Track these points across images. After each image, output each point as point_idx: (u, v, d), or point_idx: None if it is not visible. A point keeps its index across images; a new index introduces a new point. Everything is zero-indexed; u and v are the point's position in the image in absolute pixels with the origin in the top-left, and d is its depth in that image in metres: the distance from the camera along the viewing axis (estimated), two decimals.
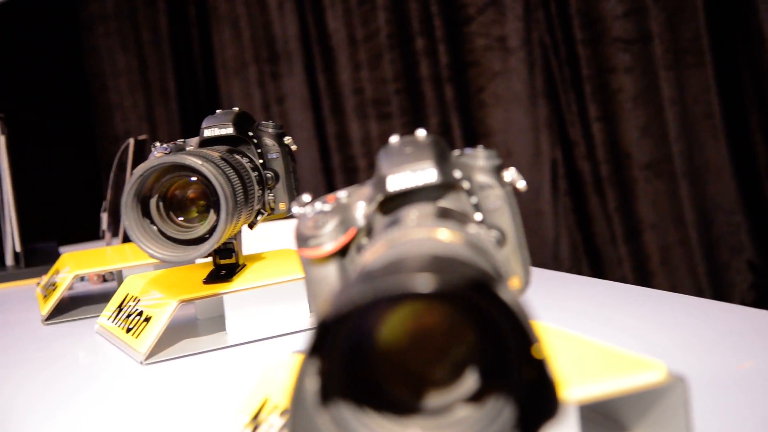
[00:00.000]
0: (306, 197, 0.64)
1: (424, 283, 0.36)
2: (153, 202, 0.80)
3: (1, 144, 1.15)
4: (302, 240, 0.61)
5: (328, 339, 0.39)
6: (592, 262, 1.70)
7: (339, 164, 2.16)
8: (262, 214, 0.93)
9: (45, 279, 1.08)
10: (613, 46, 1.62)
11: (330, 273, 0.61)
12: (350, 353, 0.40)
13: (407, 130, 2.00)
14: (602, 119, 1.64)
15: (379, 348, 0.42)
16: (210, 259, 0.91)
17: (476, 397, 0.41)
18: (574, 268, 1.71)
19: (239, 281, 0.86)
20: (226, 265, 0.90)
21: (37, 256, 1.29)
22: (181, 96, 2.44)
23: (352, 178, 2.12)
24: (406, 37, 1.96)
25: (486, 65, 1.84)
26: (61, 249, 1.42)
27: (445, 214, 0.54)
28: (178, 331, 0.87)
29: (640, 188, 1.61)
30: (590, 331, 0.60)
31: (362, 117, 2.09)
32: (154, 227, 0.80)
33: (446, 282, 0.36)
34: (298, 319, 0.88)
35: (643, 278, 1.59)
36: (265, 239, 1.06)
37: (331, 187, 2.20)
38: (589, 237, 1.71)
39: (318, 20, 2.15)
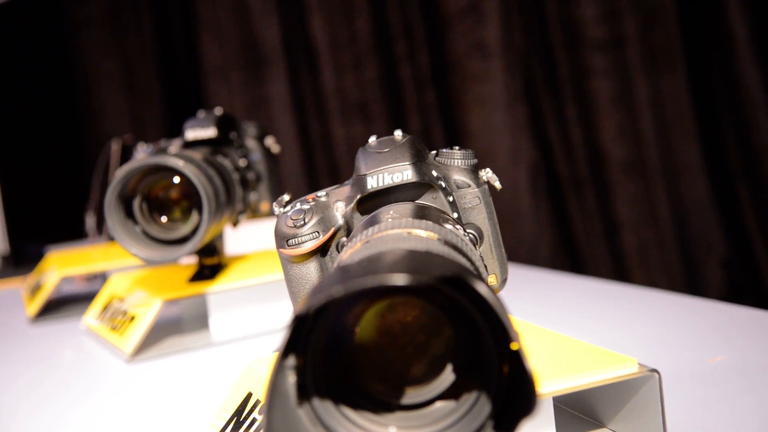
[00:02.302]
0: (286, 197, 0.66)
1: (399, 277, 0.36)
2: (136, 202, 0.81)
3: None
4: (282, 239, 0.62)
5: (305, 335, 0.40)
6: (572, 261, 1.72)
7: (323, 166, 2.17)
8: (245, 214, 0.94)
9: (31, 279, 1.09)
10: (590, 49, 1.64)
11: (310, 271, 0.63)
12: (328, 349, 0.41)
13: (389, 132, 2.01)
14: (580, 121, 1.67)
15: (356, 344, 0.42)
16: (194, 259, 0.92)
17: (453, 392, 0.42)
18: (554, 268, 1.73)
19: (223, 280, 0.87)
20: (210, 265, 0.91)
21: (23, 257, 1.30)
22: (165, 99, 2.45)
23: (336, 180, 2.12)
24: (388, 41, 1.98)
25: (466, 69, 1.86)
26: (47, 249, 1.42)
27: (422, 213, 0.55)
28: (163, 330, 0.89)
29: (618, 188, 1.63)
30: (567, 327, 0.62)
31: (345, 119, 2.10)
32: (138, 228, 0.81)
33: (421, 277, 0.37)
34: (281, 318, 0.89)
35: (621, 277, 1.61)
36: (248, 240, 1.07)
37: (315, 189, 2.21)
38: (568, 237, 1.73)
39: (301, 25, 2.16)
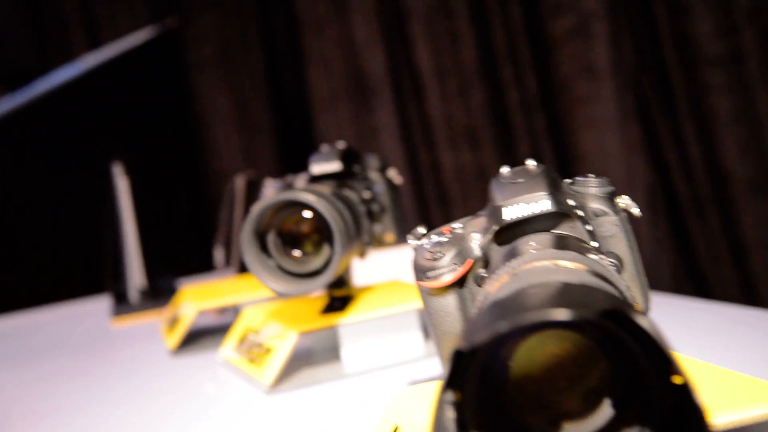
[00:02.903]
0: (421, 229, 0.66)
1: (563, 312, 0.37)
2: (270, 237, 0.83)
3: (124, 187, 1.23)
4: (421, 272, 0.63)
5: (462, 369, 0.40)
6: (696, 285, 1.67)
7: (433, 194, 2.19)
8: (371, 245, 0.96)
9: (168, 312, 1.13)
10: (706, 65, 1.60)
11: (449, 303, 0.63)
12: (483, 384, 0.41)
13: (499, 159, 2.01)
14: (698, 140, 1.62)
15: (511, 378, 0.42)
16: (323, 290, 0.94)
17: (613, 427, 0.41)
18: (677, 292, 1.68)
19: (353, 312, 0.89)
20: (340, 297, 0.92)
21: (158, 290, 1.35)
22: (276, 132, 2.53)
23: (446, 208, 2.14)
24: (494, 67, 1.98)
25: (575, 90, 1.84)
26: (178, 281, 1.48)
27: (563, 243, 0.55)
28: (295, 361, 0.91)
29: (743, 207, 1.58)
30: (706, 355, 0.60)
31: (454, 147, 2.11)
32: (272, 262, 0.83)
33: (584, 311, 0.37)
34: (411, 348, 0.90)
35: (750, 301, 1.55)
36: (372, 269, 1.08)
37: (427, 218, 2.22)
38: (690, 260, 1.68)
39: (406, 53, 2.19)
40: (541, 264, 0.50)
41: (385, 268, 1.06)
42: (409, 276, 0.64)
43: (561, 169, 1.90)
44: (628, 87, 1.75)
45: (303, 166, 0.96)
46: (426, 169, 2.19)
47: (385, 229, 0.99)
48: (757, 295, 1.56)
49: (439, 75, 2.12)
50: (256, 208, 0.81)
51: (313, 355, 0.94)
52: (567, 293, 0.40)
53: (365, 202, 0.95)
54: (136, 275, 1.26)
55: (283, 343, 0.84)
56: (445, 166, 2.14)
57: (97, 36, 2.63)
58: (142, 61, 2.15)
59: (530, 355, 0.43)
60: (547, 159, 1.90)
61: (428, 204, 2.21)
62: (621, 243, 0.61)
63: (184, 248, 2.07)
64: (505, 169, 0.63)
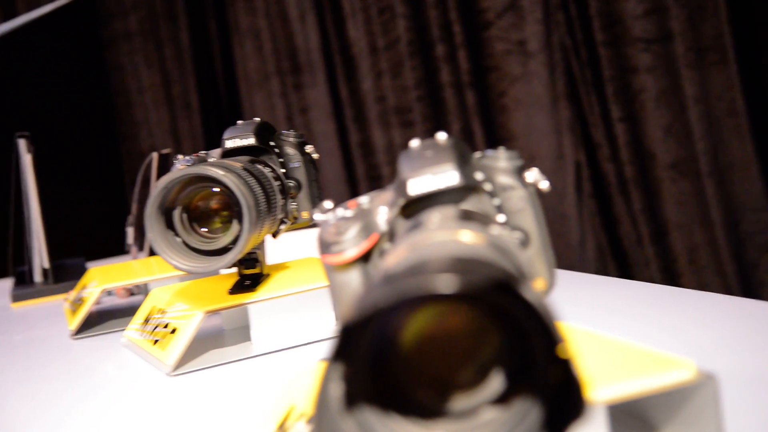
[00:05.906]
0: (328, 204, 0.64)
1: (447, 284, 0.36)
2: (176, 213, 0.80)
3: (27, 162, 1.17)
4: (325, 246, 0.61)
5: (352, 343, 0.39)
6: (619, 264, 1.69)
7: (363, 173, 2.16)
8: (285, 223, 0.93)
9: (73, 294, 1.09)
10: (634, 46, 1.60)
11: (353, 279, 0.61)
12: (374, 357, 0.40)
13: (430, 137, 1.99)
14: (625, 120, 1.63)
15: (402, 351, 0.41)
16: (235, 269, 0.91)
17: (502, 399, 0.41)
18: (601, 270, 1.69)
19: (264, 291, 0.86)
20: (251, 275, 0.90)
21: (65, 272, 1.30)
22: (204, 110, 2.46)
23: (376, 187, 2.12)
24: (426, 44, 1.97)
25: (506, 69, 1.83)
26: (88, 264, 1.43)
27: (467, 217, 0.54)
28: (204, 342, 0.88)
29: (666, 188, 1.59)
30: (618, 331, 0.59)
31: (385, 125, 2.09)
32: (178, 239, 0.80)
33: (469, 283, 0.36)
34: (323, 328, 0.88)
35: (670, 279, 1.57)
36: (289, 248, 1.06)
37: (356, 196, 2.20)
38: (615, 239, 1.70)
39: (339, 30, 2.16)
40: (439, 238, 0.49)
41: (302, 248, 1.04)
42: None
43: (492, 147, 1.89)
44: (559, 66, 1.75)
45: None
46: (357, 148, 2.17)
47: (301, 206, 0.96)
48: (676, 274, 1.58)
49: (372, 52, 2.10)
50: (161, 183, 0.78)
51: (224, 336, 0.91)
52: (455, 266, 0.39)
53: (280, 178, 0.92)
54: (40, 256, 1.21)
55: (188, 322, 0.81)
56: (376, 145, 2.12)
57: (13, 7, 2.53)
58: (52, 29, 2.05)
59: (420, 328, 0.42)
60: (477, 137, 1.89)
61: (358, 182, 2.19)
62: (528, 217, 0.60)
63: (97, 230, 2.00)
64: (414, 142, 0.62)
